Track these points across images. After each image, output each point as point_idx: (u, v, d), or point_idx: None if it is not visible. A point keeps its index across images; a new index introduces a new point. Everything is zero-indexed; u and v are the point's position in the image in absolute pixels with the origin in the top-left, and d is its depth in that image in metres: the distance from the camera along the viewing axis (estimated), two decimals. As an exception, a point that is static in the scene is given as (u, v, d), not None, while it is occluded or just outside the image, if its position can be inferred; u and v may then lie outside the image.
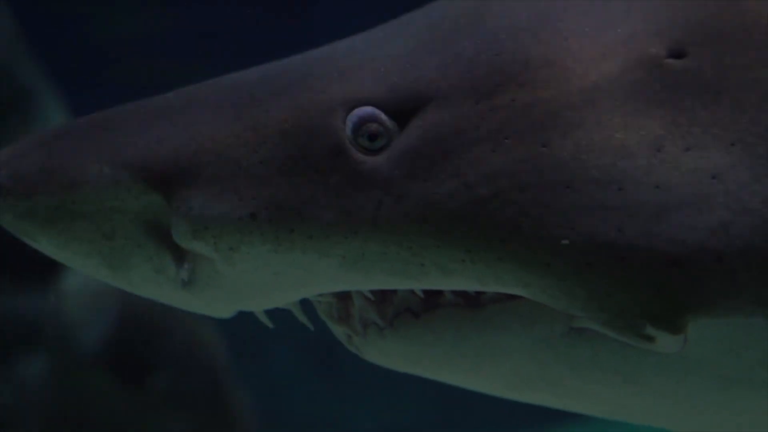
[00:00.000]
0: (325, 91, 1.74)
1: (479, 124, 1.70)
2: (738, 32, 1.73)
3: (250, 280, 1.74)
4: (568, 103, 1.70)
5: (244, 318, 1.87)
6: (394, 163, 1.70)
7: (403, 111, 1.72)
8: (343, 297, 1.81)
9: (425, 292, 1.76)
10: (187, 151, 1.72)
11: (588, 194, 1.66)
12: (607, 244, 1.65)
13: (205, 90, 1.79)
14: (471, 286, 1.69)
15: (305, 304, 1.83)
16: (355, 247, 1.68)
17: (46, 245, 1.74)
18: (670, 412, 1.81)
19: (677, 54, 1.73)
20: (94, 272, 1.76)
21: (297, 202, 1.69)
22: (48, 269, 5.56)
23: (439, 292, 1.75)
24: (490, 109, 1.71)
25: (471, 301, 1.75)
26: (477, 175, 1.68)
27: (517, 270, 1.66)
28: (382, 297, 1.78)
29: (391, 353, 1.81)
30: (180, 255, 1.73)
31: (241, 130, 1.72)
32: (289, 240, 1.69)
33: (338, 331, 1.86)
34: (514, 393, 1.82)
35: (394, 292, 1.77)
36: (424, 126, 1.71)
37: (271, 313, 1.84)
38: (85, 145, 1.73)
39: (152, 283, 1.75)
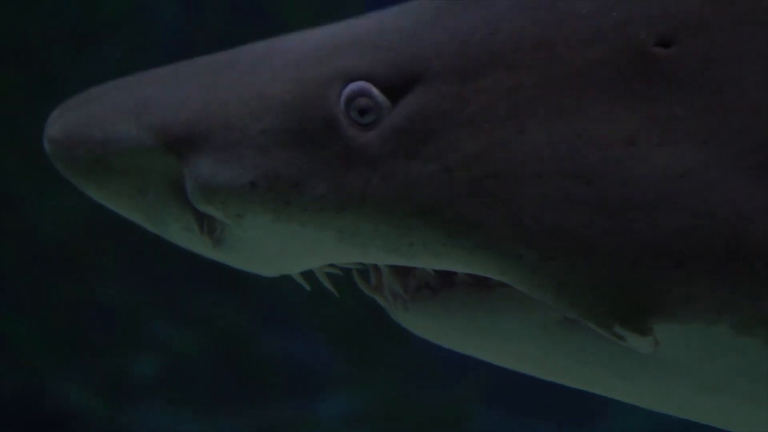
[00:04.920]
0: (325, 64, 1.75)
1: (463, 106, 1.68)
2: (728, 24, 1.66)
3: (264, 246, 1.78)
4: (550, 88, 1.67)
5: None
6: (384, 140, 1.70)
7: (396, 87, 1.71)
8: (376, 266, 1.84)
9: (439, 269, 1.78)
10: (201, 116, 1.76)
11: (557, 186, 1.63)
12: (572, 239, 1.62)
13: (229, 57, 1.85)
14: (459, 268, 1.71)
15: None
16: (348, 223, 1.70)
17: (95, 196, 1.86)
18: (679, 410, 1.78)
19: (665, 43, 1.67)
20: (143, 224, 1.87)
21: (293, 174, 1.71)
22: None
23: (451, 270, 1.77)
24: (476, 90, 1.68)
25: (482, 281, 1.75)
26: (456, 158, 1.67)
27: (493, 257, 1.66)
28: (405, 271, 1.80)
29: (415, 325, 1.84)
30: (201, 217, 1.78)
31: (249, 98, 1.75)
32: (286, 211, 1.72)
33: (379, 300, 1.89)
34: (534, 373, 1.82)
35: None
36: (412, 104, 1.70)
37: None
38: (122, 105, 1.80)
39: (187, 240, 1.83)
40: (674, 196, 1.61)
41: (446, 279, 1.78)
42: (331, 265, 1.84)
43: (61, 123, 1.83)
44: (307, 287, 1.89)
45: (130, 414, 6.99)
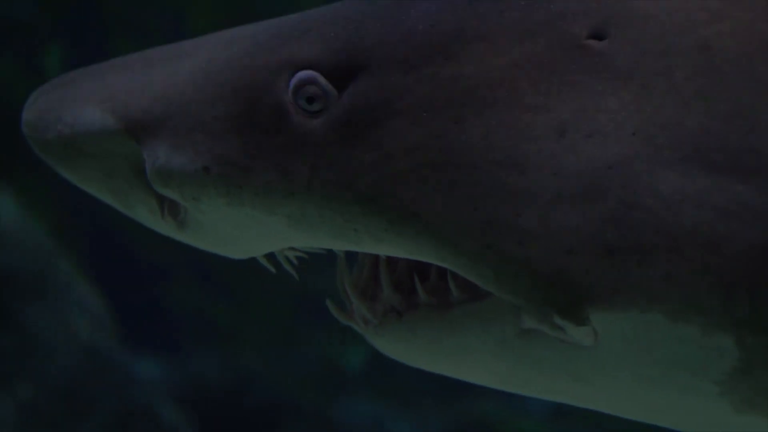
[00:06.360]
0: (275, 53, 1.79)
1: (404, 95, 1.71)
2: (660, 18, 1.68)
3: (223, 229, 1.82)
4: (486, 79, 1.69)
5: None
6: (329, 128, 1.73)
7: (342, 76, 1.75)
8: (348, 293, 1.87)
9: (404, 292, 1.81)
10: (159, 102, 1.80)
11: (491, 175, 1.65)
12: (507, 228, 1.64)
13: (192, 44, 1.90)
14: (402, 254, 1.73)
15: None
16: (296, 208, 1.74)
17: (69, 178, 1.93)
18: (631, 410, 1.78)
19: (598, 35, 1.69)
20: (114, 206, 1.93)
21: (243, 160, 1.75)
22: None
23: (416, 292, 1.79)
24: (416, 80, 1.71)
25: (444, 301, 1.77)
26: (396, 147, 1.69)
27: (432, 245, 1.68)
28: (373, 296, 1.84)
29: (386, 348, 1.86)
30: (162, 200, 1.83)
31: (204, 85, 1.80)
32: (238, 195, 1.75)
33: (354, 327, 1.91)
34: (504, 387, 1.82)
35: (381, 290, 1.82)
36: (356, 93, 1.73)
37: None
38: (90, 90, 1.85)
39: (154, 222, 1.89)
40: (602, 186, 1.62)
41: (411, 301, 1.80)
42: (292, 248, 1.88)
43: (34, 108, 1.90)
44: (273, 270, 1.92)
45: (339, 407, 7.06)
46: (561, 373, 1.72)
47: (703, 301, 1.61)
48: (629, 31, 1.68)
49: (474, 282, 1.70)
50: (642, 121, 1.64)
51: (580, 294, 1.64)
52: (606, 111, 1.65)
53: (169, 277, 7.30)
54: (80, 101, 1.86)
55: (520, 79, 1.68)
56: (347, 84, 1.74)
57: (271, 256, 1.90)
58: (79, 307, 6.21)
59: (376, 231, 1.71)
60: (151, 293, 7.31)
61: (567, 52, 1.69)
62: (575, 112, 1.66)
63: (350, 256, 1.88)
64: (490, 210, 1.65)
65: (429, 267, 1.80)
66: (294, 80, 1.75)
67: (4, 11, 7.08)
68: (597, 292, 1.63)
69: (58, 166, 1.91)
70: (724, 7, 1.67)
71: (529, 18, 1.72)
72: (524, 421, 7.01)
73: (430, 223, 1.67)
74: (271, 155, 1.75)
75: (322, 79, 1.74)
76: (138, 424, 6.08)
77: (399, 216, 1.69)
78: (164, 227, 1.88)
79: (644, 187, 1.62)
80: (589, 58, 1.68)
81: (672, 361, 1.66)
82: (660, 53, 1.66)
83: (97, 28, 7.25)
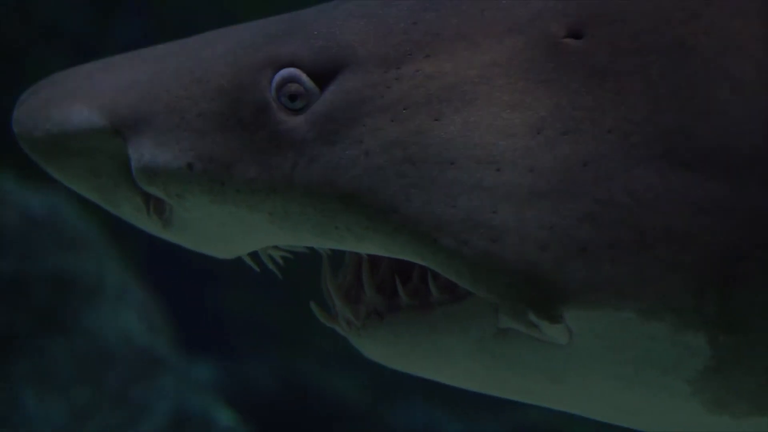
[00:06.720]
0: (258, 51, 1.80)
1: (384, 92, 1.72)
2: (635, 16, 1.69)
3: (207, 227, 1.83)
4: (466, 77, 1.70)
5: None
6: (310, 125, 1.74)
7: (324, 74, 1.76)
8: (332, 296, 1.88)
9: (387, 293, 1.81)
10: (145, 99, 1.82)
11: (469, 172, 1.66)
12: (483, 225, 1.65)
13: (179, 44, 1.92)
14: (382, 252, 1.73)
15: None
16: (278, 205, 1.75)
17: (57, 177, 1.95)
18: (608, 412, 1.77)
19: (575, 34, 1.70)
20: (101, 205, 1.95)
21: (226, 156, 1.77)
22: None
23: (398, 294, 1.79)
24: (396, 78, 1.73)
25: (425, 303, 1.78)
26: (376, 144, 1.70)
27: (410, 242, 1.69)
28: (356, 298, 1.84)
29: (369, 351, 1.86)
30: (148, 198, 1.85)
31: (189, 83, 1.81)
32: (221, 192, 1.77)
33: (338, 329, 1.91)
34: (482, 390, 1.82)
35: (364, 292, 1.82)
36: (338, 90, 1.75)
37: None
38: (78, 89, 1.88)
39: (139, 220, 1.91)
40: (577, 184, 1.63)
41: (393, 303, 1.81)
42: (276, 247, 1.88)
43: (25, 106, 1.92)
44: (257, 268, 1.92)
45: (395, 412, 7.05)
46: (537, 373, 1.72)
47: (675, 298, 1.61)
48: (606, 29, 1.69)
49: (452, 280, 1.70)
50: (617, 119, 1.64)
51: (553, 291, 1.64)
52: (582, 109, 1.66)
53: (224, 281, 7.32)
54: (68, 100, 1.88)
55: (500, 77, 1.70)
56: (329, 81, 1.76)
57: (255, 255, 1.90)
58: (135, 312, 6.24)
59: (356, 228, 1.72)
60: (207, 297, 7.34)
61: (545, 51, 1.70)
62: (552, 110, 1.67)
63: (337, 260, 1.89)
64: (467, 206, 1.66)
65: (411, 269, 1.81)
66: (276, 78, 1.77)
67: (56, 18, 7.15)
68: (570, 289, 1.63)
69: (47, 165, 1.93)
70: (699, 7, 1.67)
71: (509, 17, 1.73)
72: (578, 428, 6.94)
73: (409, 220, 1.68)
74: (253, 152, 1.76)
75: (304, 77, 1.76)
76: (193, 428, 6.11)
77: (378, 212, 1.69)
78: (150, 225, 1.89)
79: (618, 185, 1.62)
80: (567, 56, 1.69)
81: (644, 360, 1.66)
82: (636, 52, 1.67)
83: (150, 32, 7.30)
